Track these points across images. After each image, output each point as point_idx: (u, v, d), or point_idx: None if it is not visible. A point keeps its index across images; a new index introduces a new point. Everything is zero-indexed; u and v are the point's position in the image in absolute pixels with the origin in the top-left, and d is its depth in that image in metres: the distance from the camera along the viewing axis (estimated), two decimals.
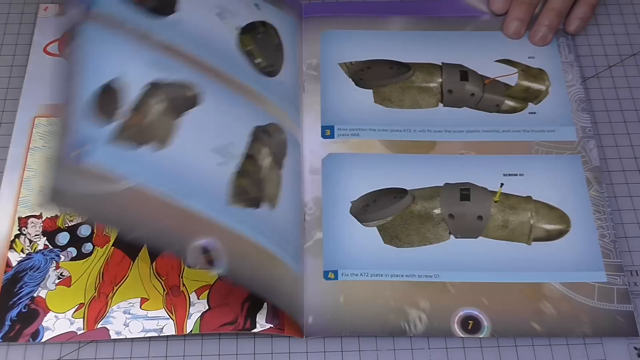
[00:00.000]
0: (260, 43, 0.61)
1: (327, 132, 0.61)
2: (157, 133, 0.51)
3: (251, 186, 0.54)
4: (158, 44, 0.55)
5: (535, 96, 0.63)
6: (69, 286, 0.54)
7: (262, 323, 0.53)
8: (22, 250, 0.55)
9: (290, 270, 0.53)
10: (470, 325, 0.53)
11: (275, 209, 0.54)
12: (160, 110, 0.52)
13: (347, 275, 0.55)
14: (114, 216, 0.47)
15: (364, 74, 0.64)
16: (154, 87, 0.52)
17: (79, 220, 0.57)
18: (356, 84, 0.63)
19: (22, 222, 0.57)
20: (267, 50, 0.61)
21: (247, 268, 0.51)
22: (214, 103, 0.55)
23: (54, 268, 0.55)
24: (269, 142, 0.56)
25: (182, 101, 0.53)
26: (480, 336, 0.53)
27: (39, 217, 0.57)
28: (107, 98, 0.50)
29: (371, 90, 0.63)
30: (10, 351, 0.53)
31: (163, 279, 0.55)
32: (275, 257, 0.52)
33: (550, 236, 0.57)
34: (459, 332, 0.53)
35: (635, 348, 0.53)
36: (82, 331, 0.53)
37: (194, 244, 0.48)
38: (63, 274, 0.55)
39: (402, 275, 0.55)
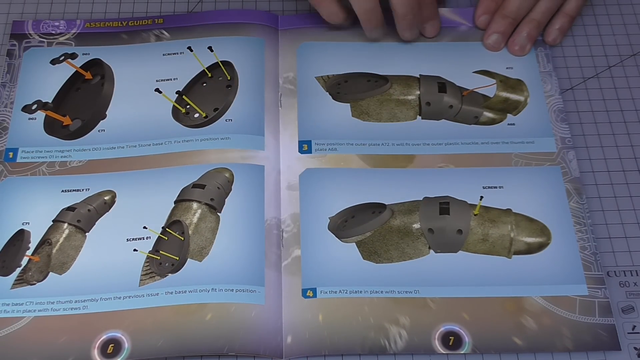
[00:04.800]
0: (202, 94, 0.62)
1: (305, 147, 0.60)
2: (57, 263, 0.55)
3: (167, 255, 0.55)
4: (75, 167, 0.59)
5: (514, 107, 0.62)
6: None
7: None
8: None
9: (244, 307, 0.53)
10: (451, 341, 0.53)
11: (208, 255, 0.55)
12: (62, 240, 0.56)
13: (326, 292, 0.54)
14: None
15: (341, 87, 0.63)
16: (56, 222, 0.57)
17: None
18: (333, 98, 0.62)
19: None
20: (213, 96, 0.62)
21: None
22: (131, 196, 0.58)
23: None
24: (199, 194, 0.57)
25: (101, 208, 0.57)
26: (462, 352, 0.52)
27: None
28: (9, 254, 0.56)
29: (349, 104, 0.62)
30: None
31: None
32: (216, 307, 0.53)
33: (531, 249, 0.56)
34: (439, 348, 0.52)
35: (635, 348, 0.53)
36: None
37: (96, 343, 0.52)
38: None
39: (382, 292, 0.54)
